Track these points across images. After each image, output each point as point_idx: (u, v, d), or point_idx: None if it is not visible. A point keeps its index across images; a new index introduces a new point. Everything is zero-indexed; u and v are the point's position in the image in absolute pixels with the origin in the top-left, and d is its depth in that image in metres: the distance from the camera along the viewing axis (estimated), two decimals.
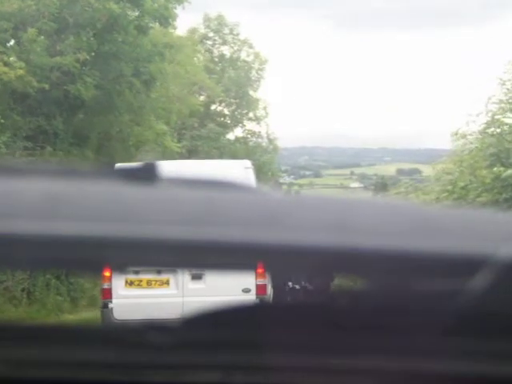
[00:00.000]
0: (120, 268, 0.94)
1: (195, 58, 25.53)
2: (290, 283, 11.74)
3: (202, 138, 30.60)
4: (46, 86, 14.82)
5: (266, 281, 8.97)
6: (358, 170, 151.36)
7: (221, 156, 30.72)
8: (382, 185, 64.86)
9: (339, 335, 0.75)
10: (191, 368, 0.77)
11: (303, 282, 11.80)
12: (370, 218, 0.78)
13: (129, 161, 21.28)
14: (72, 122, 16.83)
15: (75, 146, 17.34)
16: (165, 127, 21.54)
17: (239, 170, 8.94)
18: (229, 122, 34.05)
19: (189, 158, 29.77)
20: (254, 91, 34.52)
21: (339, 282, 8.86)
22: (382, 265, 0.74)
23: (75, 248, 0.72)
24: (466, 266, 0.73)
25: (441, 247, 0.74)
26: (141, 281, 8.76)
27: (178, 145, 23.33)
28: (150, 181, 0.82)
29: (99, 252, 0.73)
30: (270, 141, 35.22)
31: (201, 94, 32.47)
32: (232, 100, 33.51)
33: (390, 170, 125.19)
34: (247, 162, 9.89)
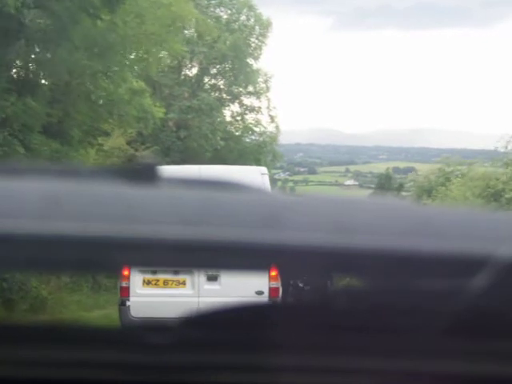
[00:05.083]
0: (119, 268, 0.85)
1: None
2: (300, 284, 11.75)
3: (193, 111, 25.87)
4: None
5: (279, 284, 9.07)
6: (353, 168, 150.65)
7: (214, 132, 26.23)
8: (386, 179, 60.45)
9: (338, 335, 0.75)
10: (191, 368, 0.77)
11: (299, 283, 11.82)
12: (370, 218, 0.79)
13: (98, 125, 16.63)
14: (6, 54, 11.86)
15: (13, 93, 12.43)
16: (143, 84, 16.72)
17: (256, 176, 9.26)
18: (224, 96, 29.25)
19: (177, 132, 25.33)
20: (255, 60, 29.64)
21: (340, 282, 8.84)
22: (381, 265, 0.75)
23: (75, 248, 0.73)
24: (466, 265, 0.74)
25: (441, 247, 0.75)
26: (158, 280, 8.99)
27: (163, 110, 18.43)
28: (151, 181, 0.82)
29: (99, 252, 0.73)
30: (272, 118, 30.31)
31: (192, 62, 27.76)
32: (228, 70, 28.65)
33: (385, 167, 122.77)
34: (263, 169, 10.31)
